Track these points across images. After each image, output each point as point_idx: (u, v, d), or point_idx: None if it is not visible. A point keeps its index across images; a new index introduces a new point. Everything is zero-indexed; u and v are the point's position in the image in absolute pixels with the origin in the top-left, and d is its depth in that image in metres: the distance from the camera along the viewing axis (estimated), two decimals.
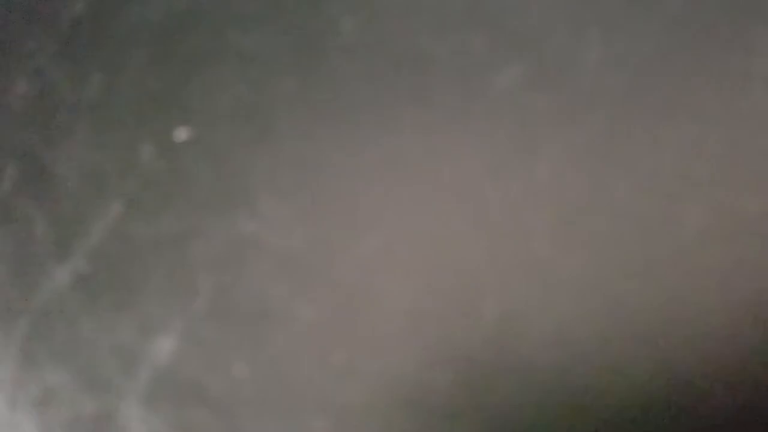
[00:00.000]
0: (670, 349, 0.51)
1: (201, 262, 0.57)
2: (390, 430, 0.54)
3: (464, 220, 0.54)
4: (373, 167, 0.57)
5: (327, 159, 0.57)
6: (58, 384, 0.57)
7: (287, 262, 0.56)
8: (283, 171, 0.57)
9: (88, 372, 0.57)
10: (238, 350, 0.55)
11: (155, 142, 0.59)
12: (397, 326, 0.54)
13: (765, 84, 0.53)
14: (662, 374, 0.51)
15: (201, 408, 0.55)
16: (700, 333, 0.51)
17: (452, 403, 0.53)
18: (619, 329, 0.51)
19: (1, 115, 0.61)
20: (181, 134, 0.59)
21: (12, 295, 0.57)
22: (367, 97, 0.58)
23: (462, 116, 0.56)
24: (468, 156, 0.56)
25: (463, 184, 0.55)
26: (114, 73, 0.61)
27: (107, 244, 0.58)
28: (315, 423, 0.55)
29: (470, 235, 0.54)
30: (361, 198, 0.56)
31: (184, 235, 0.57)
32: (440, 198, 0.55)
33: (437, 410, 0.53)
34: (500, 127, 0.55)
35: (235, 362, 0.55)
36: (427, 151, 0.56)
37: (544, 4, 0.56)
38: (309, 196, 0.57)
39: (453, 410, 0.53)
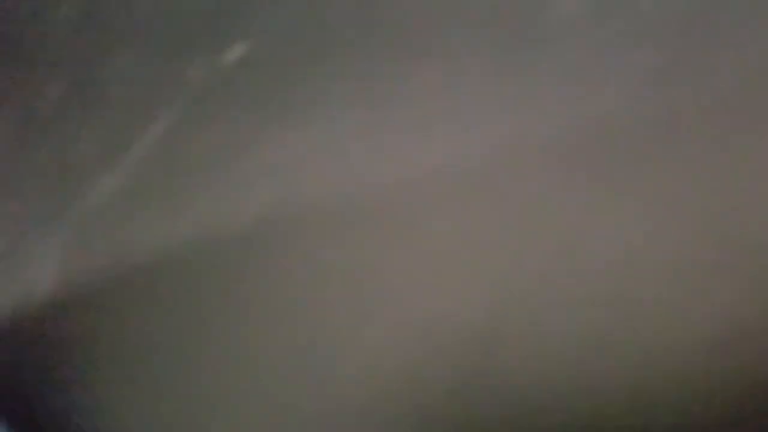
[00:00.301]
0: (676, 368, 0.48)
1: (252, 177, 0.55)
2: None
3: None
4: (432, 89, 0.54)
5: (391, 75, 0.55)
6: None
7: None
8: (343, 84, 0.55)
9: None
10: None
11: (206, 59, 0.57)
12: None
13: None
14: (655, 391, 0.48)
15: None
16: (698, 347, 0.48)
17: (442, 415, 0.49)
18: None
19: (50, 28, 0.60)
20: (235, 51, 0.57)
21: (54, 205, 0.56)
22: (427, 17, 0.56)
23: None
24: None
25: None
26: None
27: (152, 159, 0.56)
28: None
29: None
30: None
31: (235, 149, 0.55)
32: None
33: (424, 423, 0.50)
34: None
35: None
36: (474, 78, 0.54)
37: None
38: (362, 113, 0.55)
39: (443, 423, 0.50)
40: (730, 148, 0.50)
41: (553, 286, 0.48)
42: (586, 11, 0.53)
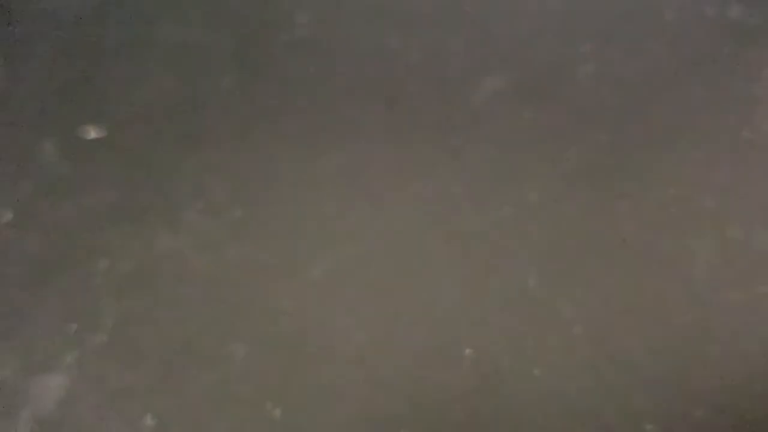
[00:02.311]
0: (676, 402, 0.44)
1: (106, 284, 0.46)
2: None
3: (435, 246, 0.46)
4: (323, 180, 0.48)
5: (267, 169, 0.48)
6: None
7: (216, 287, 0.46)
8: (212, 180, 0.48)
9: None
10: (146, 397, 0.44)
11: (59, 139, 0.49)
12: (348, 371, 0.44)
13: None
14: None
15: None
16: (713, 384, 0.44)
17: None
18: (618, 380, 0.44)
19: None
20: (89, 132, 0.49)
21: None
22: (320, 99, 0.50)
23: (436, 127, 0.49)
24: (443, 173, 0.48)
25: (436, 206, 0.47)
26: (17, 63, 0.51)
27: None
28: None
29: (441, 268, 0.46)
30: (309, 216, 0.48)
31: (87, 253, 0.47)
32: (407, 221, 0.47)
33: None
34: (481, 143, 0.48)
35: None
36: (390, 166, 0.48)
37: (532, 13, 0.50)
38: (242, 211, 0.48)
39: None
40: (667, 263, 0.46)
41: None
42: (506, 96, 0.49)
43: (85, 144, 0.49)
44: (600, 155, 0.48)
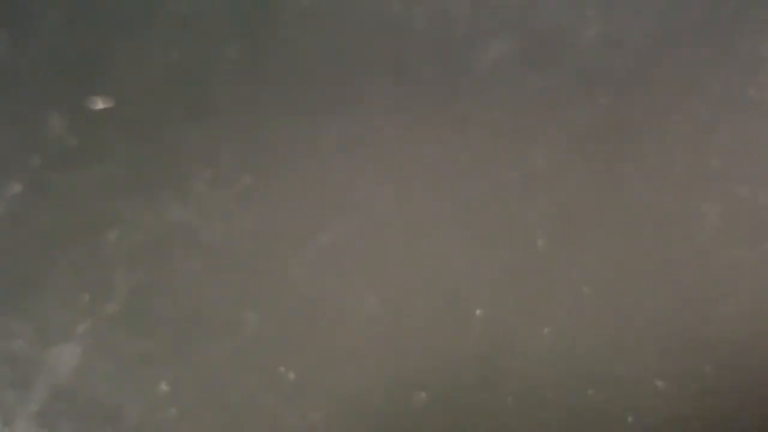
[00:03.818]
0: (684, 361, 0.44)
1: (117, 254, 0.46)
2: None
3: (444, 211, 0.47)
4: (331, 149, 0.48)
5: (274, 137, 0.48)
6: None
7: (226, 256, 0.46)
8: (221, 149, 0.48)
9: None
10: (160, 365, 0.45)
11: (66, 111, 0.49)
12: (360, 335, 0.45)
13: None
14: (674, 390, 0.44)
15: None
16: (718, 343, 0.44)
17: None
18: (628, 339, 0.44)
19: None
20: (97, 103, 0.49)
21: None
22: (327, 66, 0.50)
23: (442, 92, 0.49)
24: (449, 139, 0.48)
25: (443, 171, 0.47)
26: (23, 34, 0.51)
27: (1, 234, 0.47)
28: None
29: (450, 232, 0.46)
30: (317, 184, 0.48)
31: (97, 224, 0.47)
32: (415, 186, 0.47)
33: None
34: (487, 108, 0.48)
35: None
36: (399, 133, 0.48)
37: None
38: (251, 180, 0.48)
39: None
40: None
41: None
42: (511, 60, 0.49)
43: (92, 115, 0.49)
44: (606, 118, 0.48)
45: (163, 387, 0.44)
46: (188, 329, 0.45)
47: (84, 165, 0.48)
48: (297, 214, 0.47)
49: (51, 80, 0.50)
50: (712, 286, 0.45)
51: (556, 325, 0.44)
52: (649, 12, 0.50)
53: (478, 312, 0.45)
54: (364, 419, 0.43)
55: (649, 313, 0.44)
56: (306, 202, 0.48)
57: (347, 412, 0.43)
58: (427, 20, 0.50)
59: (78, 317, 0.46)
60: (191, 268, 0.46)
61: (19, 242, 0.47)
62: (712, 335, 0.44)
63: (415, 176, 0.48)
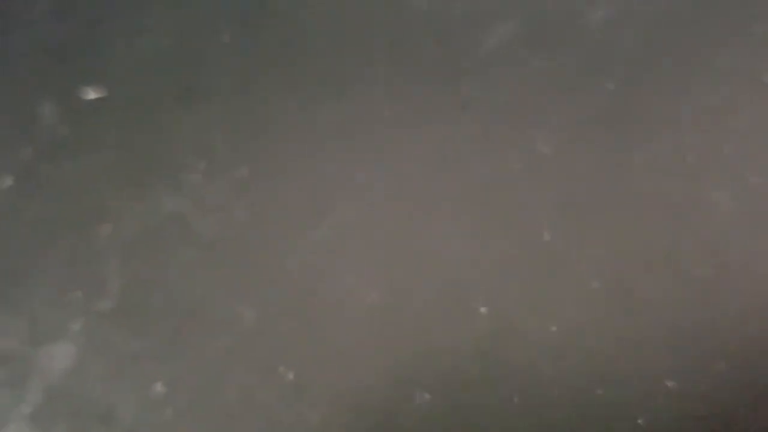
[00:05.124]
0: (690, 357, 0.42)
1: (110, 248, 0.45)
2: None
3: (446, 200, 0.45)
4: (329, 134, 0.47)
5: (270, 124, 0.47)
6: None
7: (222, 249, 0.45)
8: (215, 138, 0.47)
9: None
10: (155, 364, 0.43)
11: (58, 101, 0.47)
12: (360, 331, 0.43)
13: None
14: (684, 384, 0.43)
15: None
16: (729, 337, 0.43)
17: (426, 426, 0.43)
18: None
19: None
20: (89, 92, 0.48)
21: None
22: (324, 49, 0.48)
23: (444, 76, 0.47)
24: (451, 124, 0.47)
25: (445, 158, 0.46)
26: (12, 23, 0.49)
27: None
28: None
29: (453, 224, 0.45)
30: (315, 173, 0.46)
31: (90, 217, 0.45)
32: (415, 174, 0.46)
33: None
34: (491, 91, 0.47)
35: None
36: (399, 120, 0.47)
37: None
38: (247, 170, 0.46)
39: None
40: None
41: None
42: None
43: (84, 105, 0.47)
44: (613, 103, 0.47)
45: (159, 388, 0.43)
46: (183, 326, 0.44)
47: (76, 156, 0.47)
48: (295, 204, 0.46)
49: (42, 70, 0.48)
50: (724, 279, 0.43)
51: (563, 321, 0.43)
52: None
53: (482, 309, 0.43)
54: (364, 420, 0.42)
55: (659, 309, 0.43)
56: (304, 191, 0.46)
57: (347, 413, 0.42)
58: (428, 1, 0.49)
59: (71, 314, 0.44)
60: (186, 262, 0.45)
61: (10, 237, 0.46)
62: (724, 330, 0.43)
63: (416, 165, 0.46)
